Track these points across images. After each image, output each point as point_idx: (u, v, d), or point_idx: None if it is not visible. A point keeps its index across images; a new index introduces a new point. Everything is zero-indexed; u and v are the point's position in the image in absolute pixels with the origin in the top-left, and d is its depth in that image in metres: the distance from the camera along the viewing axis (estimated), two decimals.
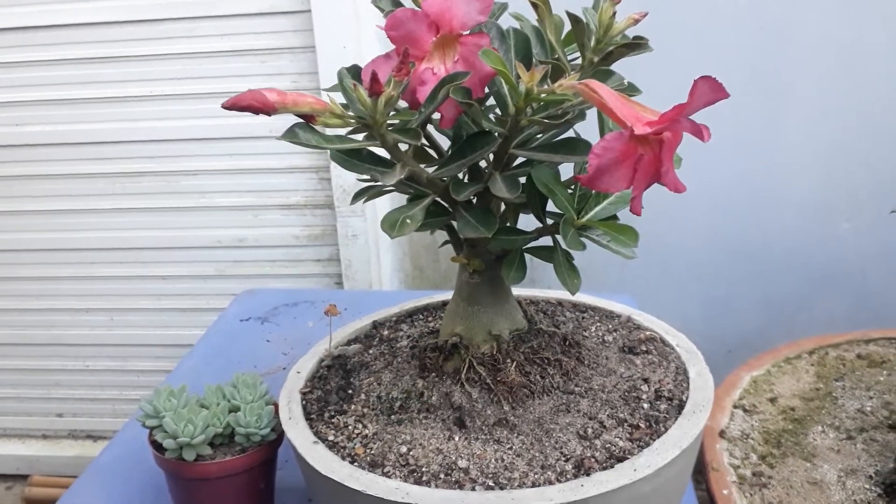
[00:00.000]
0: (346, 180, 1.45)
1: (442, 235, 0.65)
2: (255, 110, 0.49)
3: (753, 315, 1.53)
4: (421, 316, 0.79)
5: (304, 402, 0.65)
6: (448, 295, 0.79)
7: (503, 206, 0.63)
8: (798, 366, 1.14)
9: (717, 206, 1.46)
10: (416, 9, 0.53)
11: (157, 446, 0.68)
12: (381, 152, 0.56)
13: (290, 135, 0.51)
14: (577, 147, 0.56)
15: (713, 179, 1.43)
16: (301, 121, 0.52)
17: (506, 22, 0.60)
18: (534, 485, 0.53)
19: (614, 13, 0.56)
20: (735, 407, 1.04)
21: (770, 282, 1.50)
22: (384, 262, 1.54)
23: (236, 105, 0.48)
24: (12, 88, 1.52)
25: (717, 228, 1.48)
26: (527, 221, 0.61)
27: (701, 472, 0.94)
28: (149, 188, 1.55)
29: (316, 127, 0.52)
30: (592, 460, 0.55)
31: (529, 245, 0.61)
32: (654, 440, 0.57)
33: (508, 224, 0.63)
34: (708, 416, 0.60)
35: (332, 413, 0.64)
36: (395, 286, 1.58)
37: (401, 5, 0.58)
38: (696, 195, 1.40)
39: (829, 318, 1.49)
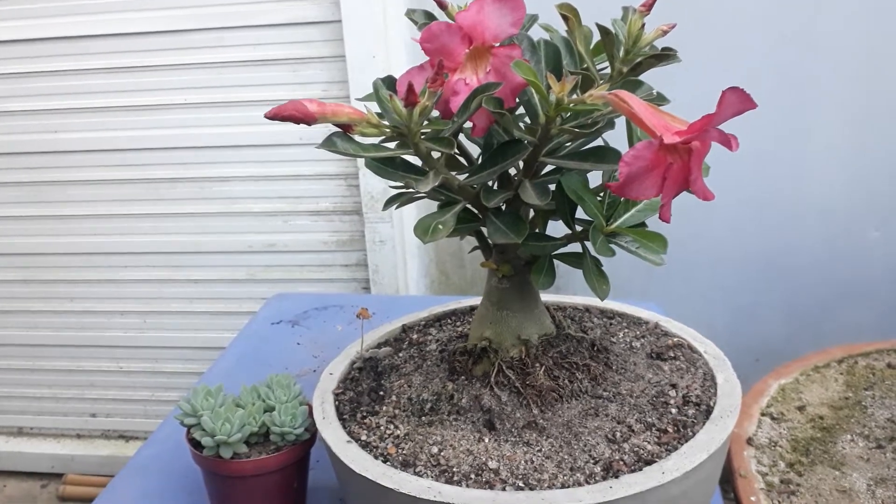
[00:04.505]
0: (374, 187, 1.48)
1: (469, 242, 0.67)
2: (296, 120, 0.50)
3: (780, 323, 1.52)
4: (449, 320, 0.81)
5: (336, 402, 0.67)
6: (475, 300, 0.80)
7: (532, 213, 0.64)
8: (827, 374, 1.14)
9: (742, 213, 1.45)
10: (450, 22, 0.54)
11: (195, 444, 0.70)
12: (414, 160, 0.58)
13: (329, 143, 0.53)
14: (607, 155, 0.57)
15: (738, 187, 1.43)
16: (338, 130, 0.54)
17: (536, 33, 0.61)
18: (563, 486, 0.54)
19: (643, 25, 0.57)
20: (763, 415, 1.04)
21: (796, 290, 1.49)
22: (411, 268, 1.56)
23: (278, 115, 0.50)
24: (49, 97, 1.57)
25: (742, 236, 1.47)
26: (555, 228, 0.63)
27: (729, 480, 0.93)
28: (182, 194, 1.59)
29: (352, 136, 0.54)
30: (621, 463, 0.56)
31: (558, 251, 0.62)
32: (682, 444, 0.57)
33: (537, 230, 0.64)
34: (735, 422, 0.60)
35: (365, 414, 0.65)
36: (422, 291, 1.60)
37: (434, 18, 0.59)
38: (722, 202, 1.39)
39: (857, 326, 1.48)
